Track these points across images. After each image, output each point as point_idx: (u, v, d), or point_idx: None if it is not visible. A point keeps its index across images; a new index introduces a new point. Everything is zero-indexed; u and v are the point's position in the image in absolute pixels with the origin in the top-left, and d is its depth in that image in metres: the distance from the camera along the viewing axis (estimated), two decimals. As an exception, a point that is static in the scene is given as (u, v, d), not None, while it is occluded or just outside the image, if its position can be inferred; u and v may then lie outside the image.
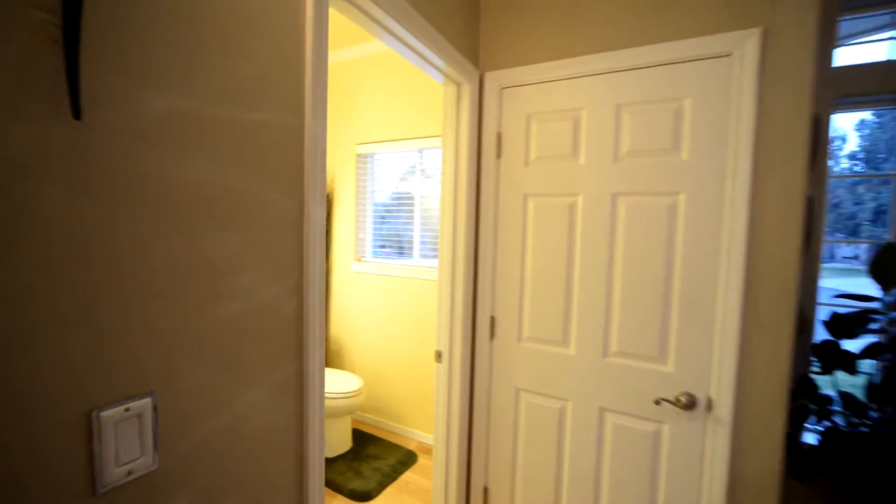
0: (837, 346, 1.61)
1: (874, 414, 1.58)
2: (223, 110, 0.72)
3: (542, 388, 1.62)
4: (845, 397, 1.63)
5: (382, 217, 2.99)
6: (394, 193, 2.94)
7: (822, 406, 1.64)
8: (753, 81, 1.21)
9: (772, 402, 1.27)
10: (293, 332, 0.88)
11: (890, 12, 1.72)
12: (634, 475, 1.47)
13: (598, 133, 1.45)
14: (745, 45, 1.22)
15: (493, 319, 1.70)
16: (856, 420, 1.61)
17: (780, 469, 1.28)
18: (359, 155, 2.95)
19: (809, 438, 1.71)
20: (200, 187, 0.69)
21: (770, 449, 1.27)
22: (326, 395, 2.47)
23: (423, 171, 2.74)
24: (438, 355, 1.73)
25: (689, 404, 1.36)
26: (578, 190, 1.50)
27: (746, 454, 1.30)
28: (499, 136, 1.63)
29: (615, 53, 1.40)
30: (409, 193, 2.84)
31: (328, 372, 2.78)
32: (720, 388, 1.31)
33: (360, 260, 3.01)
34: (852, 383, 1.69)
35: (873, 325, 1.59)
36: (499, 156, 1.64)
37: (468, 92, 1.60)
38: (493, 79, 1.62)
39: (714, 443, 1.33)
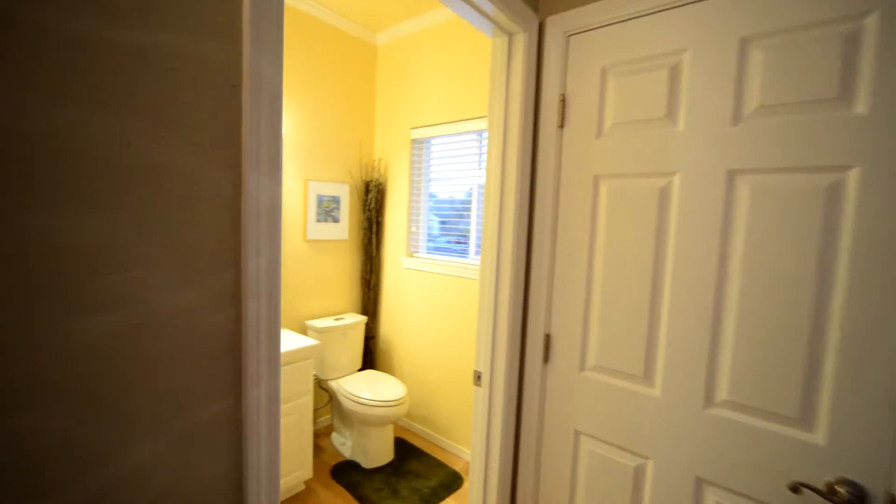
0: None
1: None
2: (94, 25, 0.46)
3: (612, 437, 1.21)
4: None
5: (439, 209, 2.71)
6: (451, 182, 2.63)
7: None
8: None
9: None
10: (222, 356, 0.62)
11: None
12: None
13: (708, 84, 1.00)
14: None
15: (547, 338, 1.32)
16: None
17: None
18: (413, 140, 2.69)
19: None
20: (51, 139, 0.44)
21: None
22: (367, 401, 2.27)
23: (482, 155, 2.40)
24: (478, 377, 1.40)
25: (853, 500, 0.86)
26: (674, 167, 1.06)
27: None
28: (563, 99, 1.24)
29: (743, -41, 0.94)
30: (467, 182, 2.52)
31: (373, 374, 2.58)
32: (911, 481, 0.81)
33: (412, 255, 2.77)
34: None
35: None
36: (561, 125, 1.25)
37: (522, 43, 1.22)
38: (555, 24, 1.23)
39: (898, 570, 0.82)
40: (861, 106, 0.84)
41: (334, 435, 2.65)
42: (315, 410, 2.72)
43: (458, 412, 2.54)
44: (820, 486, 0.90)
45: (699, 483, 1.07)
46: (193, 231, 0.57)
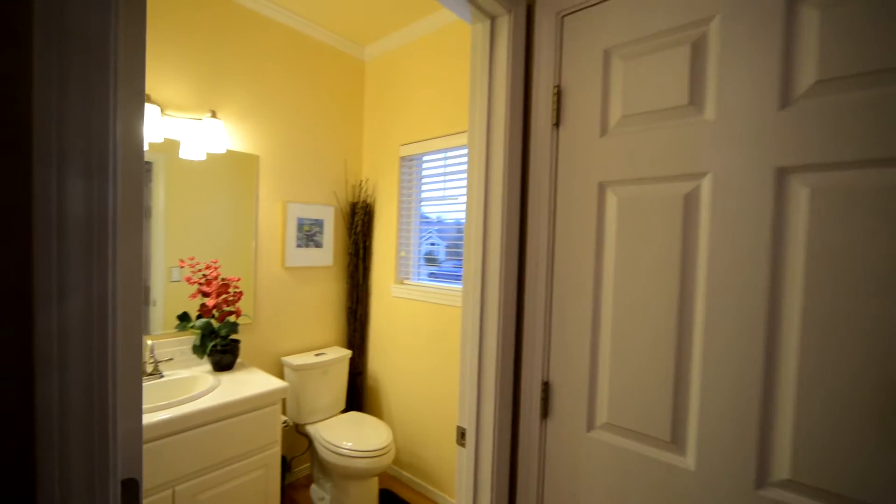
0: None
1: None
2: None
3: (634, 519, 0.92)
4: None
5: (443, 231, 2.48)
6: (442, 202, 2.41)
7: None
8: None
9: None
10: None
11: None
12: None
13: (745, 57, 0.77)
14: None
15: (546, 386, 1.05)
16: None
17: None
18: (402, 158, 2.50)
19: None
20: None
21: None
22: (345, 451, 1.98)
23: (474, 173, 2.18)
24: (461, 434, 1.12)
25: None
26: (704, 166, 0.82)
27: None
28: (558, 92, 1.02)
29: None
30: (457, 201, 2.30)
31: (357, 418, 2.29)
32: None
33: (402, 283, 2.52)
34: None
35: None
36: (557, 123, 1.02)
37: (506, 27, 1.02)
38: (546, 2, 1.02)
39: None
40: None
41: (313, 487, 2.34)
42: (292, 459, 2.42)
43: (451, 459, 2.23)
44: None
45: None
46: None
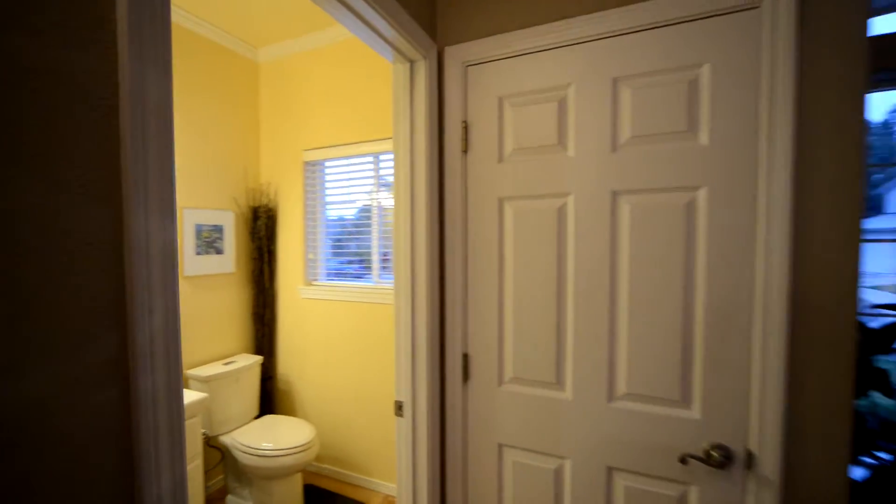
0: (871, 363, 1.35)
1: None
2: None
3: (533, 444, 1.26)
4: (888, 424, 1.37)
5: (337, 234, 2.59)
6: (348, 205, 2.55)
7: (864, 436, 1.36)
8: (791, 41, 0.93)
9: (832, 445, 0.96)
10: (104, 453, 0.49)
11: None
12: (655, 552, 1.13)
13: (590, 115, 1.14)
14: (779, -7, 0.94)
15: (466, 357, 1.34)
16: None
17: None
18: (306, 163, 2.55)
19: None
20: None
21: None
22: (269, 451, 2.02)
23: (380, 178, 2.38)
24: (399, 407, 1.35)
25: (724, 461, 1.03)
26: (569, 189, 1.17)
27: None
28: (465, 126, 1.29)
29: (607, 14, 1.10)
30: (365, 205, 2.46)
31: (274, 419, 2.32)
32: (763, 436, 1.00)
33: (310, 284, 2.59)
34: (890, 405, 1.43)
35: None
36: (466, 150, 1.30)
37: (424, 70, 1.25)
38: (454, 54, 1.29)
39: (763, 514, 1.00)
40: (705, 137, 1.03)
41: (230, 498, 2.30)
42: (205, 473, 2.33)
43: (373, 444, 2.42)
44: (700, 454, 1.06)
45: (610, 472, 1.17)
46: (57, 290, 0.44)
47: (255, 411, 2.44)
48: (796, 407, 0.98)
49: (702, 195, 1.04)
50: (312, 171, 2.59)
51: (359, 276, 2.52)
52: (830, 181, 0.93)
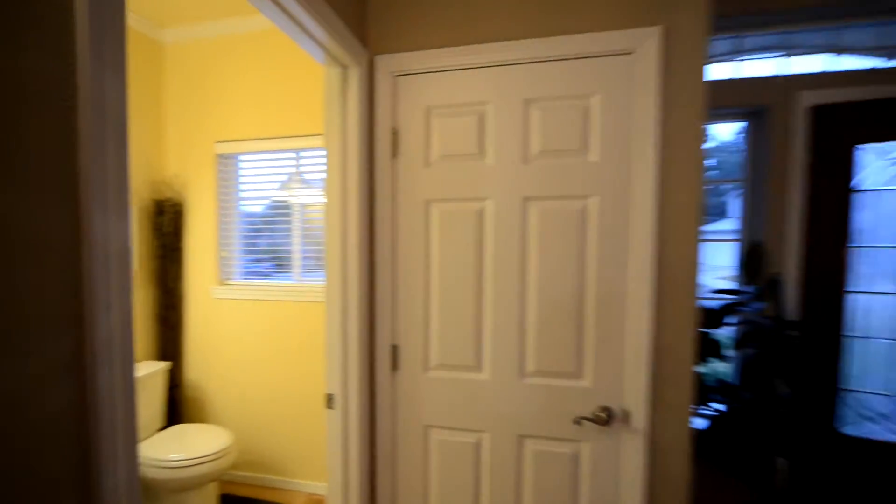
0: (708, 336, 1.73)
1: (746, 395, 1.72)
2: None
3: (455, 422, 1.41)
4: (722, 383, 1.76)
5: (255, 231, 2.49)
6: (267, 202, 2.47)
7: (703, 393, 1.74)
8: (655, 81, 1.19)
9: (681, 401, 1.25)
10: (62, 444, 0.50)
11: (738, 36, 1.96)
12: (558, 500, 1.34)
13: (506, 131, 1.31)
14: (646, 44, 1.19)
15: (394, 348, 1.44)
16: (732, 403, 1.73)
17: (690, 463, 1.26)
18: (219, 156, 2.42)
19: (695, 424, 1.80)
20: None
21: (682, 448, 1.25)
22: (179, 462, 1.91)
23: (301, 175, 2.35)
24: (329, 400, 1.40)
25: (607, 419, 1.27)
26: (487, 194, 1.33)
27: (660, 457, 1.26)
28: (395, 132, 1.39)
29: (521, 43, 1.27)
30: (284, 202, 2.41)
31: (183, 429, 2.18)
32: (635, 397, 1.26)
33: (225, 284, 2.46)
34: (723, 368, 1.84)
35: (738, 317, 1.74)
36: (395, 155, 1.39)
37: (357, 77, 1.32)
38: (385, 63, 1.37)
39: (631, 454, 1.26)
40: (594, 155, 1.26)
41: (131, 517, 2.11)
42: (97, 495, 2.11)
43: (295, 445, 2.39)
44: (590, 415, 1.29)
45: (520, 439, 1.36)
46: (16, 289, 0.46)
47: (160, 422, 2.26)
48: (657, 372, 1.25)
49: (593, 202, 1.27)
50: (226, 165, 2.46)
51: (277, 275, 2.46)
52: (680, 193, 1.21)
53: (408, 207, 1.40)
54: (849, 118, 1.70)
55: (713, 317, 1.68)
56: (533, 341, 1.33)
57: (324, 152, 1.36)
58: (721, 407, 1.72)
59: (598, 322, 1.28)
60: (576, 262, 1.29)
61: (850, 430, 1.83)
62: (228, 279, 2.48)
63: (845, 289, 1.73)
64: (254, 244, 2.50)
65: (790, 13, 1.79)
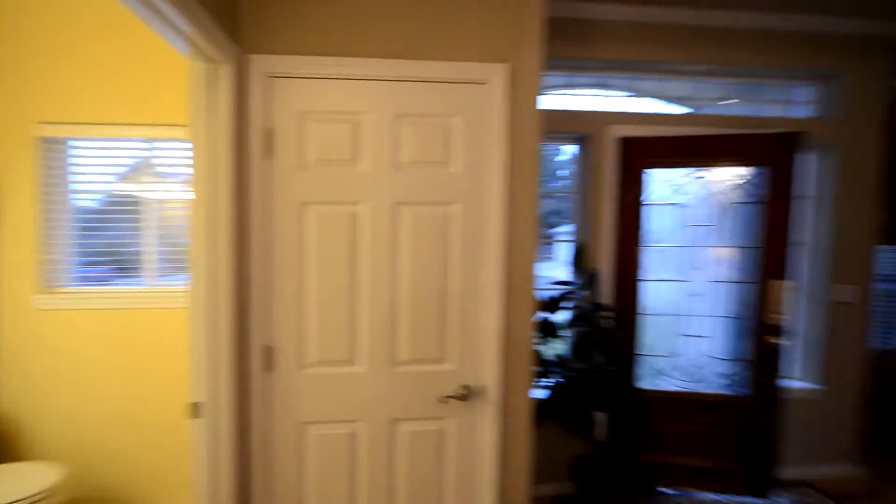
0: (548, 319, 2.11)
1: (578, 366, 2.14)
2: None
3: (332, 415, 1.48)
4: (560, 358, 2.16)
5: (90, 230, 2.15)
6: (108, 195, 2.16)
7: (545, 366, 2.12)
8: (504, 108, 1.43)
9: (525, 374, 1.53)
10: None
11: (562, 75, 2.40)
12: (429, 472, 1.51)
13: (379, 140, 1.43)
14: (497, 77, 1.43)
15: (269, 349, 1.44)
16: (568, 373, 2.14)
17: (532, 422, 1.56)
18: (43, 139, 2.03)
19: (539, 394, 2.16)
20: None
21: (525, 411, 1.53)
22: (-13, 508, 1.58)
23: (155, 168, 2.12)
24: (196, 409, 1.34)
25: (468, 395, 1.49)
26: (361, 198, 1.44)
27: (510, 420, 1.52)
28: (269, 133, 1.39)
29: (396, 62, 1.40)
30: (133, 196, 2.14)
31: (-10, 470, 1.79)
32: (491, 374, 1.49)
33: (51, 292, 2.08)
34: (560, 346, 2.24)
35: (570, 303, 2.16)
36: (270, 156, 1.40)
37: (229, 74, 1.30)
38: (260, 63, 1.37)
39: (488, 421, 1.50)
40: (457, 167, 1.46)
41: None
42: None
43: (150, 466, 2.14)
44: (454, 394, 1.49)
45: (394, 423, 1.49)
46: None
47: (-48, 466, 1.81)
48: (506, 351, 1.50)
49: (456, 209, 1.47)
50: (53, 151, 2.08)
51: (120, 280, 2.17)
52: (524, 202, 1.48)
53: (283, 208, 1.42)
54: (641, 149, 2.25)
55: (552, 303, 2.05)
56: (405, 333, 1.48)
57: (184, 144, 1.31)
58: (559, 378, 2.11)
59: (460, 313, 1.49)
60: (441, 261, 1.47)
61: (646, 384, 2.40)
62: (56, 286, 2.10)
63: (639, 278, 2.29)
64: (89, 245, 2.16)
65: (604, 62, 2.28)
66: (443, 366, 1.50)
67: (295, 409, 1.46)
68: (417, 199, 1.45)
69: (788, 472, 2.46)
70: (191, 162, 1.30)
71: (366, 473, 1.49)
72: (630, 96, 2.48)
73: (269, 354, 1.44)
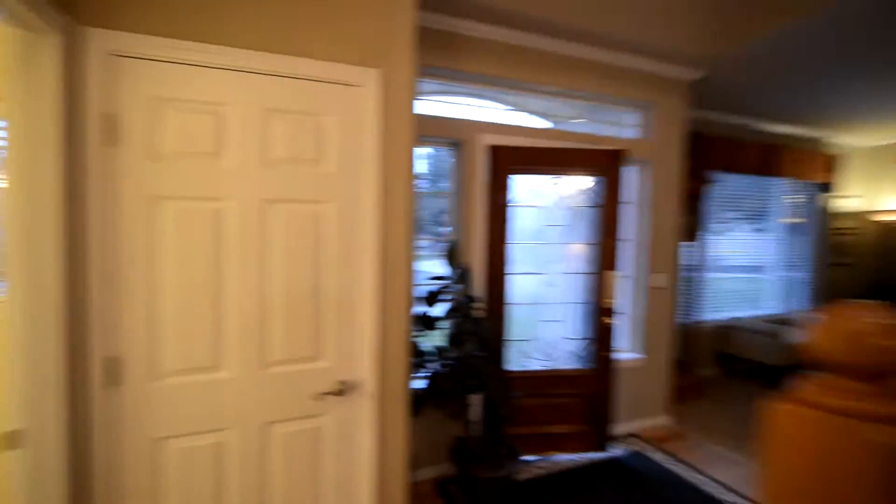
0: (426, 313, 2.25)
1: (455, 354, 2.32)
2: None
3: (194, 427, 1.37)
4: (438, 348, 2.32)
5: None
6: None
7: (423, 358, 2.26)
8: (378, 111, 1.50)
9: (401, 365, 1.62)
10: None
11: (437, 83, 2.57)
12: (305, 471, 1.51)
13: (246, 134, 1.37)
14: (371, 81, 1.49)
15: (115, 361, 1.28)
16: (444, 362, 2.30)
17: (408, 409, 1.66)
18: None
19: (419, 383, 2.28)
20: None
21: (402, 399, 1.63)
22: None
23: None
24: (13, 438, 1.14)
25: (345, 390, 1.53)
26: (227, 194, 1.36)
27: (388, 408, 1.60)
28: (112, 118, 1.24)
29: (266, 55, 1.36)
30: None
31: None
32: (368, 368, 1.55)
33: None
34: (439, 337, 2.41)
35: (447, 296, 2.33)
36: (113, 144, 1.25)
37: (57, 47, 1.12)
38: (100, 38, 1.20)
39: (367, 412, 1.56)
40: (332, 166, 1.48)
41: None
42: None
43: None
44: (331, 390, 1.51)
45: (267, 426, 1.46)
46: None
47: None
48: (383, 345, 1.58)
49: (331, 207, 1.49)
50: None
51: None
52: (398, 202, 1.57)
53: (132, 203, 1.28)
54: (507, 157, 2.53)
55: (431, 297, 2.20)
56: (278, 333, 1.45)
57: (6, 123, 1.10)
58: (437, 367, 2.26)
59: (336, 310, 1.52)
60: (315, 260, 1.48)
61: (513, 366, 2.71)
62: None
63: (506, 272, 2.57)
64: None
65: (475, 76, 2.50)
66: (318, 363, 1.51)
67: (149, 425, 1.33)
68: (290, 197, 1.43)
69: (621, 427, 3.00)
70: (4, 144, 1.10)
71: (236, 482, 1.43)
72: (501, 107, 2.76)
73: (115, 367, 1.28)
